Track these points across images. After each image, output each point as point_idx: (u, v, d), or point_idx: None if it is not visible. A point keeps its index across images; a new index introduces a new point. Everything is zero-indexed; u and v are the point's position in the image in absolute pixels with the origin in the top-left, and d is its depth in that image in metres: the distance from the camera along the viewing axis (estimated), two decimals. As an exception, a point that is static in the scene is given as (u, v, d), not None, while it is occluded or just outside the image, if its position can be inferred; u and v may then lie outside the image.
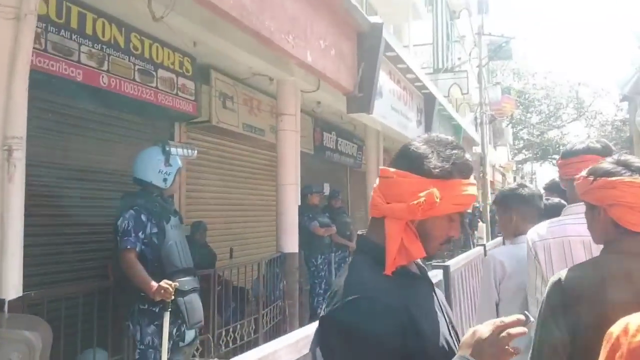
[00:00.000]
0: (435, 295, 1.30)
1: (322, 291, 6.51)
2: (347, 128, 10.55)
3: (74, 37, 4.25)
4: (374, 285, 1.14)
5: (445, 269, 3.09)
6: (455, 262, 3.67)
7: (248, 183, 7.26)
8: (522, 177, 40.66)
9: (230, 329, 4.74)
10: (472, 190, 1.22)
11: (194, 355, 3.99)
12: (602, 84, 41.00)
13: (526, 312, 1.06)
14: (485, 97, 16.84)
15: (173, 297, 3.09)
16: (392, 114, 6.86)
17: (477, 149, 17.11)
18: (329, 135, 9.93)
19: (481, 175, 16.99)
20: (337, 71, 5.10)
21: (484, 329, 1.03)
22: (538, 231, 2.13)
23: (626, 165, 1.47)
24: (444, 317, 1.26)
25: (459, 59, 15.67)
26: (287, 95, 5.81)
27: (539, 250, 2.06)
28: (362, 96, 5.62)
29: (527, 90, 36.16)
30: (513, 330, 1.02)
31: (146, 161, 3.42)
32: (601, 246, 1.58)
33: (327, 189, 10.22)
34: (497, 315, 2.43)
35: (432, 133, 1.33)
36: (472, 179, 1.24)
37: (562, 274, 1.51)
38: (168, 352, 3.17)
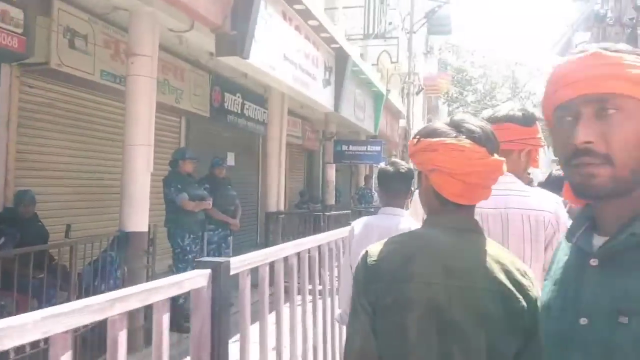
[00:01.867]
0: None
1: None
2: (256, 90, 9.32)
3: None
4: None
5: (215, 269, 1.60)
6: (252, 257, 2.03)
7: (107, 146, 5.90)
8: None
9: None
10: None
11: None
12: (538, 64, 42.01)
13: None
14: (414, 65, 15.94)
15: None
16: (285, 66, 5.65)
17: (403, 122, 16.30)
18: (232, 97, 8.67)
19: (405, 149, 16.22)
20: (194, -5, 3.85)
21: None
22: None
23: (457, 126, 1.25)
24: None
25: (390, 23, 14.59)
26: (142, 30, 4.53)
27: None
28: (236, 34, 4.41)
29: (464, 67, 36.26)
30: None
31: None
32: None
33: (231, 160, 9.05)
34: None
35: None
36: None
37: (370, 248, 1.29)
38: None
